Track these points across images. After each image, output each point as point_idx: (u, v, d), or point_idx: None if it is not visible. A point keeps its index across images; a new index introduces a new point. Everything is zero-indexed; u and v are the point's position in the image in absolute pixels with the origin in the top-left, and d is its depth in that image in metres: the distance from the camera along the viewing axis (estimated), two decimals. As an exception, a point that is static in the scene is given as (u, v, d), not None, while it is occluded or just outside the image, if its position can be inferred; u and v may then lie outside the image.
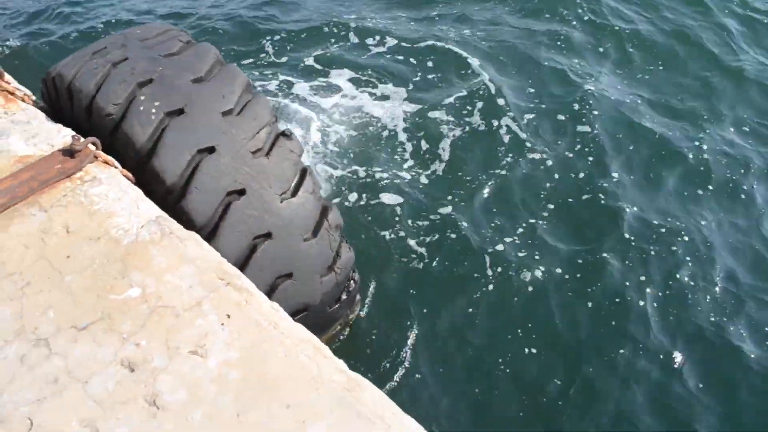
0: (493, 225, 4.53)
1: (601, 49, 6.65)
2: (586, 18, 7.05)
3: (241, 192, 2.68)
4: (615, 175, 5.00)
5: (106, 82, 2.79)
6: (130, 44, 3.00)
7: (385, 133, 5.37)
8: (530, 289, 4.09)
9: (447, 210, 4.63)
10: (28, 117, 2.81)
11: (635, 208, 4.71)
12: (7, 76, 3.08)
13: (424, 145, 5.28)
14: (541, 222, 4.56)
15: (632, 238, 4.49)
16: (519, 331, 3.84)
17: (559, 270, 4.21)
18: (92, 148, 2.48)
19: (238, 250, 2.66)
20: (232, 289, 1.96)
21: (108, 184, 2.37)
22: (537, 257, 4.29)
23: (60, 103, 3.01)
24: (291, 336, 1.87)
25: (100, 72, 2.83)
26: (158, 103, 2.72)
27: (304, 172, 2.90)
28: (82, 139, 2.45)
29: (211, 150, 2.68)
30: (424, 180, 4.91)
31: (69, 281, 2.02)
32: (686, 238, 4.50)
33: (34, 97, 3.10)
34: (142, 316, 1.91)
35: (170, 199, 2.64)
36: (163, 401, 1.73)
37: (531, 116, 5.59)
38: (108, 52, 2.95)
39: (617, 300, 4.06)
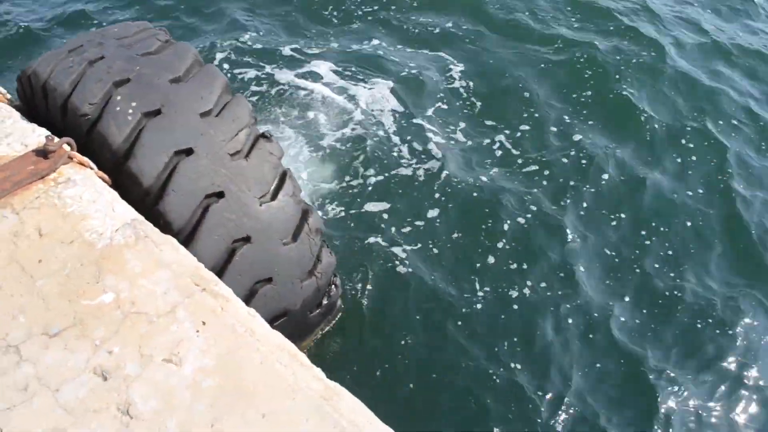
0: (477, 232, 4.51)
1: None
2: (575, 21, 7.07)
3: (220, 195, 2.64)
4: (605, 177, 5.02)
5: (82, 81, 2.73)
6: (107, 42, 2.94)
7: (371, 135, 5.34)
8: (515, 296, 4.08)
9: (433, 214, 4.61)
10: (2, 116, 2.75)
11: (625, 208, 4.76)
12: (-20, 74, 3.01)
13: (411, 147, 5.25)
14: (528, 228, 4.56)
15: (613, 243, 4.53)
16: (503, 340, 3.83)
17: (545, 279, 4.20)
18: (67, 148, 2.43)
19: (217, 254, 2.62)
20: (208, 294, 1.93)
21: (83, 185, 2.32)
22: (524, 266, 4.28)
23: (35, 102, 2.94)
24: (267, 343, 1.84)
25: (75, 70, 2.78)
26: (135, 103, 2.67)
27: (284, 175, 2.86)
28: (56, 140, 2.40)
29: (188, 152, 2.64)
30: (410, 184, 4.88)
31: (41, 285, 1.98)
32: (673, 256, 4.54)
33: (9, 96, 3.04)
34: (116, 322, 1.87)
35: (147, 201, 2.60)
36: (136, 410, 1.70)
37: (522, 123, 5.59)
38: (84, 50, 2.90)
39: (600, 308, 4.08)
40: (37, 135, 2.61)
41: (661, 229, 4.68)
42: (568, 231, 4.57)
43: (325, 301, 3.24)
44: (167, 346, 1.81)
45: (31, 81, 2.90)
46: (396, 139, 5.34)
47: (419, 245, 4.38)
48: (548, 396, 3.57)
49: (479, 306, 4.00)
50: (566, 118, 5.67)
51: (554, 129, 5.54)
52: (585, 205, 4.82)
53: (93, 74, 2.75)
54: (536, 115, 5.69)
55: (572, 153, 5.28)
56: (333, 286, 3.30)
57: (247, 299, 2.75)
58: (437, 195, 4.79)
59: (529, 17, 7.10)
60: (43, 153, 2.39)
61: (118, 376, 1.76)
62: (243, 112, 2.82)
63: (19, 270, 2.03)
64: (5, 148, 2.49)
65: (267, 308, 2.82)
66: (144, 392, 1.73)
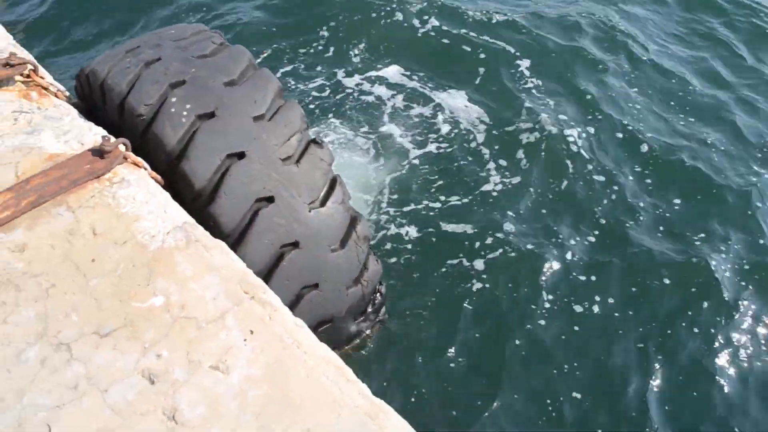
0: (524, 250, 4.40)
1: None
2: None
3: (270, 199, 2.64)
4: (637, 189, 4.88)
5: (139, 82, 2.77)
6: (164, 44, 2.98)
7: (448, 147, 5.23)
8: (551, 318, 3.98)
9: (506, 232, 4.51)
10: (60, 113, 2.80)
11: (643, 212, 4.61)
12: (42, 71, 3.08)
13: (492, 161, 5.11)
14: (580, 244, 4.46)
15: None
16: (540, 358, 3.75)
17: (616, 308, 4.08)
18: (122, 149, 2.46)
19: (265, 258, 2.62)
20: (256, 303, 1.92)
21: (136, 186, 2.35)
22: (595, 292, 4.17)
23: (93, 101, 3.00)
24: (314, 355, 1.82)
25: (132, 71, 2.82)
26: (190, 105, 2.69)
27: (333, 181, 2.85)
28: (113, 140, 2.43)
29: (241, 155, 2.65)
30: (489, 201, 4.75)
31: (94, 285, 2.00)
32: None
33: (67, 94, 3.10)
34: (165, 326, 1.88)
35: (198, 203, 2.61)
36: (182, 416, 1.69)
37: (590, 131, 5.43)
38: (141, 52, 2.94)
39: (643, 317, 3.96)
40: (94, 134, 2.65)
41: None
42: (619, 247, 4.44)
43: (369, 309, 3.21)
44: (215, 353, 1.80)
45: (90, 80, 2.95)
46: (474, 151, 5.18)
47: (485, 265, 4.26)
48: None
49: (539, 333, 3.88)
50: (667, 140, 5.48)
51: (657, 146, 5.36)
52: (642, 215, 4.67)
53: (149, 75, 2.78)
54: (630, 127, 5.50)
55: (676, 175, 5.09)
56: (378, 294, 3.27)
57: (293, 304, 2.75)
58: (514, 214, 4.65)
59: (616, 29, 6.94)
60: (99, 152, 2.42)
61: (165, 381, 1.76)
62: (295, 117, 2.81)
63: (74, 268, 2.05)
64: (63, 146, 2.54)
65: (312, 314, 2.81)
66: (191, 398, 1.72)
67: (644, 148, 5.39)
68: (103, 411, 1.72)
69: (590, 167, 5.10)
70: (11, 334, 1.89)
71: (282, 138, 2.74)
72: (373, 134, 5.36)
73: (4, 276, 2.04)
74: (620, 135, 5.51)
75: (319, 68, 6.16)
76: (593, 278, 4.24)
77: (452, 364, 3.62)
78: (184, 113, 2.66)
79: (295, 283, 2.72)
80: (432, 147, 5.24)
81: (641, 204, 4.85)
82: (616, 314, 4.04)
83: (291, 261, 2.65)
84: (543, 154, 5.20)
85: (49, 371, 1.81)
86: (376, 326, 3.45)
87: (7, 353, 1.85)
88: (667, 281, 4.23)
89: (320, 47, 6.44)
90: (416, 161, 5.09)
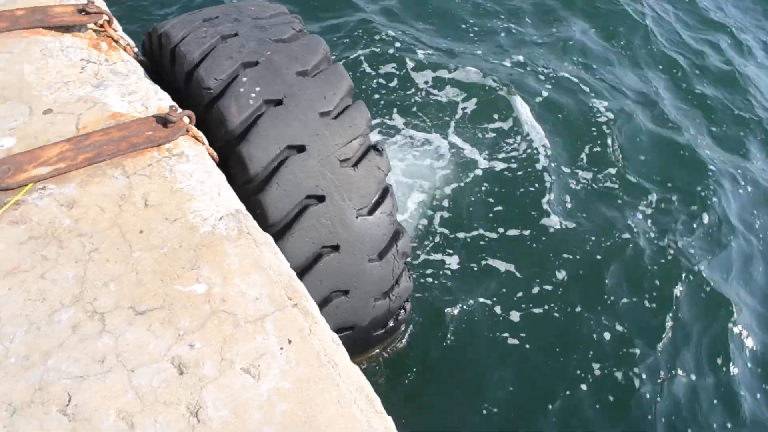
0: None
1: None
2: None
3: (321, 198, 2.59)
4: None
5: (212, 54, 2.72)
6: (243, 20, 2.93)
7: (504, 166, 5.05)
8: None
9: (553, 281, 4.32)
10: (127, 70, 2.76)
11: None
12: (115, 23, 3.04)
13: (551, 195, 4.86)
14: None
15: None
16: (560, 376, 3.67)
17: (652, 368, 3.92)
18: (186, 121, 2.42)
19: (303, 255, 2.57)
20: (298, 311, 1.87)
21: (194, 163, 2.30)
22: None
23: (161, 63, 2.96)
24: (348, 380, 1.77)
25: (208, 42, 2.77)
26: (259, 88, 2.64)
27: (385, 191, 2.79)
28: (179, 111, 2.38)
29: (300, 148, 2.60)
30: (513, 232, 4.56)
31: (137, 258, 1.96)
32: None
33: (136, 49, 3.06)
34: (203, 316, 1.83)
35: (249, 188, 2.57)
36: (205, 414, 1.65)
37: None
38: (219, 23, 2.89)
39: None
40: (159, 98, 2.61)
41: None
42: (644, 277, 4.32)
43: (391, 323, 3.16)
44: (249, 356, 1.76)
45: (162, 41, 2.91)
46: (543, 180, 4.92)
47: (521, 318, 4.06)
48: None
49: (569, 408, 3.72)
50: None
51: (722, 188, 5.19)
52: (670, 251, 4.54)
53: (224, 50, 2.73)
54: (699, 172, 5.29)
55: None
56: (403, 310, 3.22)
57: (320, 306, 2.70)
58: (567, 267, 4.40)
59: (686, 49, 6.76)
60: (163, 120, 2.38)
61: (194, 374, 1.72)
62: (361, 120, 2.75)
63: (119, 236, 2.01)
64: (127, 106, 2.50)
65: (336, 319, 2.77)
66: (217, 398, 1.68)
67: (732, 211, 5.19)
68: (126, 392, 1.69)
69: (659, 241, 4.84)
70: (47, 291, 1.86)
71: (344, 139, 2.68)
72: (439, 138, 5.16)
73: (49, 229, 2.02)
74: (695, 206, 5.23)
75: (389, 55, 5.91)
76: (638, 351, 4.01)
77: (459, 395, 3.57)
78: (252, 95, 2.62)
79: (327, 286, 2.68)
80: (500, 165, 5.00)
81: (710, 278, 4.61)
82: (667, 397, 3.82)
83: (328, 263, 2.61)
84: (608, 202, 4.98)
85: (78, 338, 1.78)
86: (393, 341, 3.41)
87: (40, 310, 1.82)
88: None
89: (394, 33, 6.21)
90: (479, 177, 4.86)
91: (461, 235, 4.46)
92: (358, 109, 2.78)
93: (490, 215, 4.65)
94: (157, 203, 2.12)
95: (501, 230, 4.57)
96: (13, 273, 1.91)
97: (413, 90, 5.63)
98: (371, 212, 2.71)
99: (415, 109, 5.46)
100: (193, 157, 2.32)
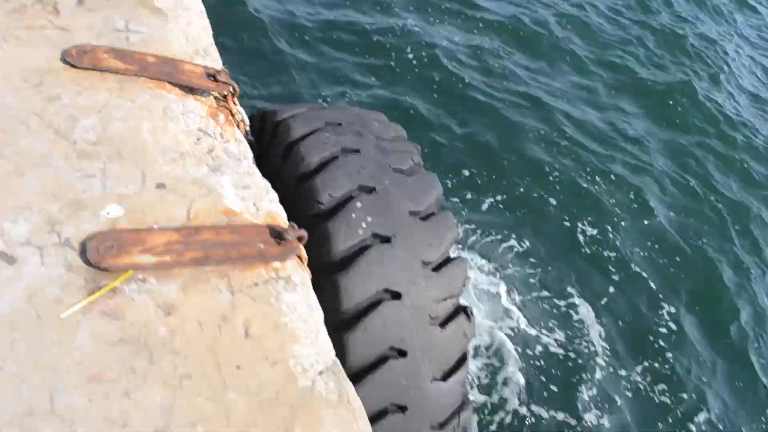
0: None
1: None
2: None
3: (403, 353, 2.45)
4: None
5: (331, 167, 2.62)
6: (366, 136, 2.85)
7: None
8: None
9: None
10: (239, 152, 2.64)
11: None
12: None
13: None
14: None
15: None
16: None
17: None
18: (299, 242, 2.28)
19: (371, 406, 2.41)
20: None
21: (300, 293, 2.16)
22: None
23: (270, 151, 2.86)
24: None
25: (328, 150, 2.68)
26: (371, 218, 2.53)
27: (463, 358, 2.66)
28: (297, 230, 2.25)
29: (396, 295, 2.47)
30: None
31: (230, 400, 1.79)
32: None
33: (248, 127, 2.95)
34: (289, 497, 1.66)
35: (334, 321, 2.42)
36: None
37: None
38: (342, 132, 2.80)
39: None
40: (269, 200, 2.47)
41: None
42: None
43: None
44: None
45: (278, 131, 2.81)
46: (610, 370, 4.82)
47: None
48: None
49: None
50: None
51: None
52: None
53: (344, 165, 2.64)
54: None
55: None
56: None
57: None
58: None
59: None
60: (277, 234, 2.24)
61: None
62: (459, 278, 2.65)
63: (215, 367, 1.85)
64: (240, 203, 2.36)
65: None
66: None
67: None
68: None
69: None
70: (130, 415, 1.68)
71: (440, 294, 2.57)
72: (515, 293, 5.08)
73: (143, 335, 1.84)
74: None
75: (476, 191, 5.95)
76: None
77: None
78: (363, 225, 2.50)
79: None
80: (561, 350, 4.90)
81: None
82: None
83: (389, 424, 2.45)
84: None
85: (151, 483, 1.59)
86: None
87: (118, 437, 1.63)
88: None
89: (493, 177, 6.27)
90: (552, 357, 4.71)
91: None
92: (459, 266, 2.68)
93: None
94: (259, 336, 1.96)
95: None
96: (98, 379, 1.72)
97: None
98: (445, 378, 2.57)
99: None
100: (299, 286, 2.18)
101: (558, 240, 6.03)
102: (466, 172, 6.22)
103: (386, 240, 2.52)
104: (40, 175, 2.16)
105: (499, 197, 6.11)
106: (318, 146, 2.67)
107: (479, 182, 6.22)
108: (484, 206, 5.95)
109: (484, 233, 5.64)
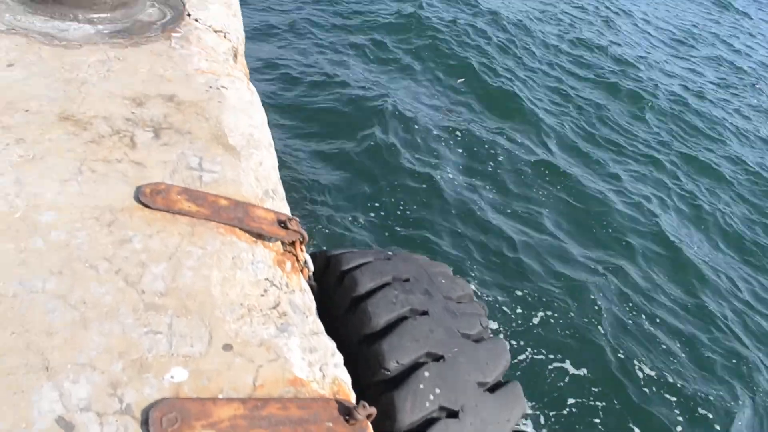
0: None
1: None
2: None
3: None
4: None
5: (400, 330, 2.51)
6: (435, 295, 2.75)
7: None
8: None
9: None
10: (304, 304, 2.54)
11: None
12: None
13: None
14: None
15: None
16: None
17: None
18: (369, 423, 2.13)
19: None
20: None
21: (367, 479, 1.99)
22: None
23: (334, 299, 2.76)
24: None
25: (396, 311, 2.57)
26: (439, 390, 2.39)
27: None
28: (366, 408, 2.11)
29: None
30: None
31: None
32: None
33: (311, 272, 2.87)
34: None
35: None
36: None
37: None
38: (410, 290, 2.70)
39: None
40: (335, 364, 2.35)
41: None
42: None
43: None
44: None
45: (344, 282, 2.73)
46: None
47: None
48: None
49: None
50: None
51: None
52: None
53: (413, 328, 2.52)
54: None
55: None
56: None
57: None
58: None
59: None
60: (347, 411, 2.10)
61: None
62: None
63: None
64: (306, 370, 2.23)
65: None
66: None
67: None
68: None
69: None
70: None
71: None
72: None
73: None
74: None
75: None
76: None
77: None
78: (431, 396, 2.36)
79: None
80: None
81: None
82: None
83: None
84: None
85: None
86: None
87: None
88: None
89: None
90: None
91: None
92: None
93: None
94: None
95: None
96: None
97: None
98: None
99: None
100: (366, 471, 2.01)
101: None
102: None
103: (454, 414, 2.36)
104: (106, 330, 2.07)
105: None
106: (386, 305, 2.57)
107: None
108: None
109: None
